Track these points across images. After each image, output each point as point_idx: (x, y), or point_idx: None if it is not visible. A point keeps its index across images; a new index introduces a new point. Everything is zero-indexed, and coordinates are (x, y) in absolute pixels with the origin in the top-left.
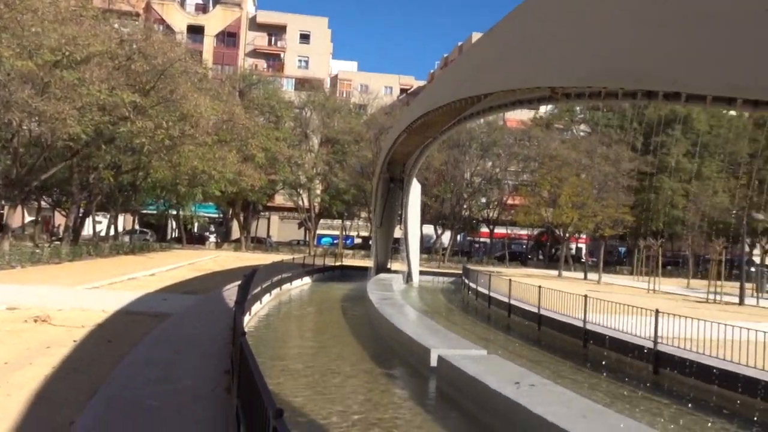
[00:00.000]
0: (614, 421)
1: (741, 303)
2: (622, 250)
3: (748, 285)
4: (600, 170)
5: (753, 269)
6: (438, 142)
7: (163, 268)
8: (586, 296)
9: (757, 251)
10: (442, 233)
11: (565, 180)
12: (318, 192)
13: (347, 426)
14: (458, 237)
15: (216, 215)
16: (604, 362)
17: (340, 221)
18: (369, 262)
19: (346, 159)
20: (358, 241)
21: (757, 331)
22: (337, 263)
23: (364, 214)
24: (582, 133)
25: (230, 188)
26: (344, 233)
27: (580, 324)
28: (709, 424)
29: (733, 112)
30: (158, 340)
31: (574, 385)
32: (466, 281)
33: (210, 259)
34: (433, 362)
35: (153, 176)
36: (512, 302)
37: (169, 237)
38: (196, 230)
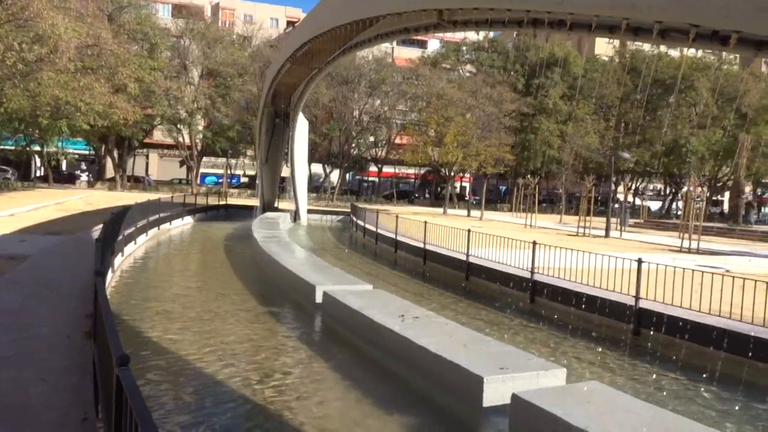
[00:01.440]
0: (492, 348)
1: (607, 236)
2: (503, 188)
3: (613, 220)
4: (484, 110)
5: (617, 205)
6: (324, 74)
7: (24, 209)
8: (469, 231)
9: (621, 189)
10: (331, 172)
11: (451, 119)
12: (200, 128)
13: (222, 365)
14: (347, 176)
15: (87, 152)
16: (485, 293)
17: (224, 159)
18: (255, 201)
19: (230, 93)
20: (244, 180)
21: (624, 259)
22: (222, 202)
23: (250, 152)
24: (467, 74)
25: (100, 122)
26: (229, 172)
27: (463, 257)
28: (581, 346)
29: (605, 58)
30: (11, 283)
31: (457, 316)
32: (355, 219)
33: (80, 199)
34: (318, 298)
35: (7, 106)
36: (399, 238)
37: (33, 175)
38: (65, 168)
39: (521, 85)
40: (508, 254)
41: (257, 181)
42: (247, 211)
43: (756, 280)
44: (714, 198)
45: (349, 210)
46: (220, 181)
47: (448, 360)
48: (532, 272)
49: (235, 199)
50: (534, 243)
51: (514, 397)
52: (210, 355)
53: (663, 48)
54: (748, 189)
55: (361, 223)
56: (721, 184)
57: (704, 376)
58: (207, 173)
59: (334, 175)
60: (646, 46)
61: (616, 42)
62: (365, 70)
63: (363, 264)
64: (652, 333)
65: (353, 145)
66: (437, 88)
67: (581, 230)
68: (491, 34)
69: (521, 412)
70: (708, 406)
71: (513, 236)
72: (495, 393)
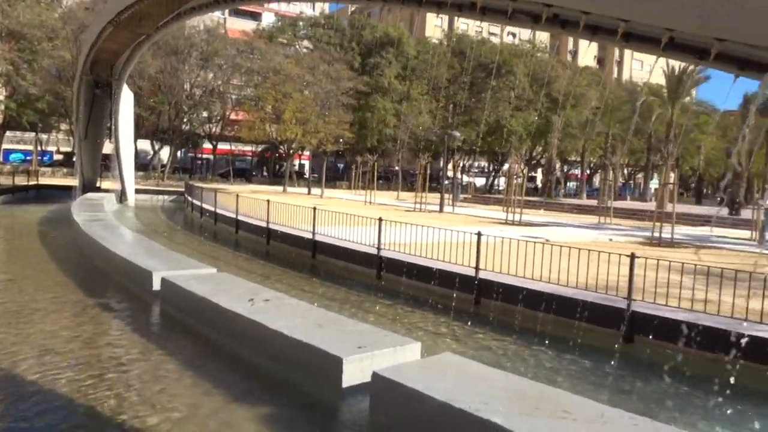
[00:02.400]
0: (348, 327)
1: (441, 211)
2: (341, 165)
3: (445, 195)
4: (322, 87)
5: (448, 182)
6: (152, 42)
7: None
8: (314, 209)
9: (450, 166)
10: (160, 149)
11: (289, 96)
12: (1, 98)
13: (46, 368)
14: (178, 153)
15: None
16: (333, 271)
17: (33, 134)
18: (73, 181)
19: (38, 59)
20: (58, 157)
21: (463, 232)
22: (32, 182)
23: (65, 126)
24: (305, 50)
25: None
26: (40, 148)
27: (308, 236)
28: (430, 318)
29: (435, 40)
30: None
31: (308, 297)
32: (190, 199)
33: None
34: (156, 285)
35: None
36: (240, 218)
37: None
38: None
39: (358, 64)
40: (354, 231)
41: (75, 159)
42: (63, 192)
43: (577, 248)
44: (530, 174)
45: (183, 189)
46: (29, 158)
47: (305, 342)
48: (379, 249)
49: (49, 179)
50: (380, 220)
51: (375, 375)
52: (30, 358)
53: (485, 34)
54: (557, 166)
55: (197, 202)
56: (535, 161)
57: (538, 338)
58: (12, 149)
59: (164, 153)
60: (471, 31)
61: (445, 25)
62: (196, 41)
63: (202, 246)
64: (491, 301)
65: (185, 120)
66: (274, 63)
67: (418, 206)
68: (327, 9)
69: (382, 389)
70: (545, 366)
71: (355, 213)
72: (354, 373)
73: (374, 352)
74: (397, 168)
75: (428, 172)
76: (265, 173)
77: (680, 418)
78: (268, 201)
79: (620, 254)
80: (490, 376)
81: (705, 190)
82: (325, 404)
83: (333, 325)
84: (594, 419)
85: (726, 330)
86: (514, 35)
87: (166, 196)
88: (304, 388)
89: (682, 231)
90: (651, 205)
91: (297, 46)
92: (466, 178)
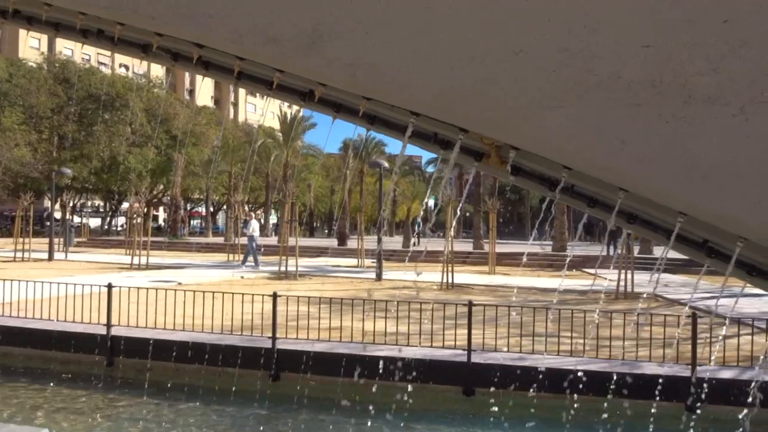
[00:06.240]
0: None
1: (51, 258)
2: None
3: (56, 240)
4: None
5: (56, 224)
6: None
7: None
8: None
9: (58, 206)
10: None
11: None
12: None
13: None
14: None
15: None
16: None
17: None
18: None
19: None
20: None
21: (84, 285)
22: None
23: None
24: None
25: None
26: None
27: None
28: (52, 393)
29: (33, 63)
30: None
31: None
32: None
33: None
34: None
35: None
36: None
37: None
38: None
39: None
40: None
41: None
42: None
43: (212, 291)
44: (153, 213)
45: None
46: None
47: None
48: None
49: None
50: None
51: None
52: None
53: (94, 62)
54: (181, 204)
55: None
56: (157, 200)
57: (188, 394)
58: None
59: None
60: (78, 57)
61: (44, 47)
62: None
63: None
64: (128, 360)
65: None
66: None
67: (20, 254)
68: None
69: None
70: (191, 423)
71: None
72: None
73: None
74: None
75: (30, 213)
76: None
77: None
78: None
79: (262, 295)
80: None
81: (315, 224)
82: None
83: None
84: None
85: (352, 354)
86: (127, 67)
87: None
88: None
89: (303, 263)
90: (273, 240)
91: None
92: (78, 219)
